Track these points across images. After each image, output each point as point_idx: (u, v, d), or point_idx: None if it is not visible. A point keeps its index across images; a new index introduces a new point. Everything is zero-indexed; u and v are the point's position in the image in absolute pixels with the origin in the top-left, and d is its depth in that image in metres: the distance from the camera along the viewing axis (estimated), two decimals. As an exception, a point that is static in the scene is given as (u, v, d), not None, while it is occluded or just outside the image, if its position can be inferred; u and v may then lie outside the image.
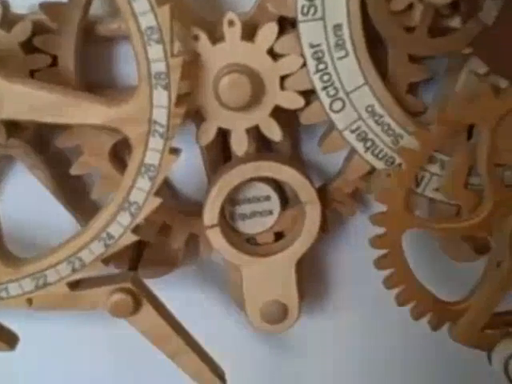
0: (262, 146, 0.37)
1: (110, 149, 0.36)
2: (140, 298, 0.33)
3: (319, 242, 0.39)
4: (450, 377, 0.44)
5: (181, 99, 0.31)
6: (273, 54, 0.32)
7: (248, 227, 0.38)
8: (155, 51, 0.29)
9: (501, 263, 0.34)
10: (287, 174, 0.35)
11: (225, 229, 0.37)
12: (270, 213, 0.38)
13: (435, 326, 0.35)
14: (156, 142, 0.31)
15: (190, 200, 0.41)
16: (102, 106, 0.31)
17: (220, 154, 0.38)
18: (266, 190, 0.37)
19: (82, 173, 0.37)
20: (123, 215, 0.32)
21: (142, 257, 0.39)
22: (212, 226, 0.36)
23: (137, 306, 0.33)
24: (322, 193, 0.38)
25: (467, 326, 0.34)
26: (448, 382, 0.44)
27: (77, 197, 0.39)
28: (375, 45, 0.35)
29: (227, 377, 0.37)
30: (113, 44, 0.37)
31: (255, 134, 0.36)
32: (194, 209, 0.38)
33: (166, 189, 0.40)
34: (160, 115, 0.30)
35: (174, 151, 0.32)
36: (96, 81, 0.37)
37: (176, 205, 0.40)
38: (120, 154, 0.37)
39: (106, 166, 0.36)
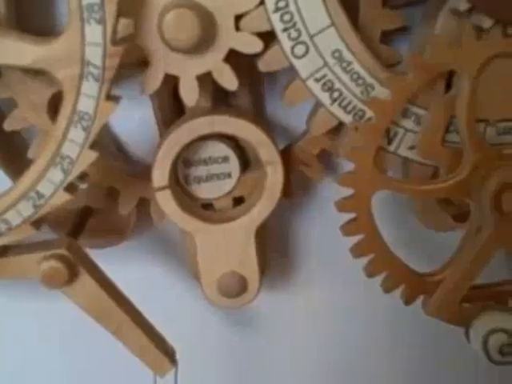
0: (220, 102, 0.34)
1: (48, 101, 0.32)
2: (76, 266, 0.30)
3: (283, 208, 0.36)
4: (425, 353, 0.42)
5: (124, 40, 0.27)
6: (226, -11, 0.29)
7: (204, 191, 0.35)
8: (85, -23, 0.25)
9: (480, 229, 0.30)
10: (245, 130, 0.32)
11: (176, 192, 0.33)
12: (229, 176, 0.34)
13: (408, 300, 0.32)
14: (90, 87, 0.27)
15: (141, 163, 0.37)
16: (29, 45, 0.27)
17: (174, 111, 0.35)
18: (223, 149, 0.34)
19: (17, 128, 0.34)
20: (54, 171, 0.28)
21: (85, 224, 0.35)
22: (161, 188, 0.32)
23: (72, 275, 0.30)
24: (286, 154, 0.35)
25: (443, 299, 0.31)
26: (424, 358, 0.42)
27: (15, 156, 0.35)
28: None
29: (183, 356, 0.34)
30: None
31: (210, 85, 0.32)
32: (146, 172, 0.34)
33: (115, 149, 0.37)
34: (94, 55, 0.27)
35: (112, 98, 0.28)
36: (35, 28, 0.33)
37: (125, 167, 0.36)
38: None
39: (45, 120, 0.33)
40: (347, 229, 0.31)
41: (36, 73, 0.31)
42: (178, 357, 0.34)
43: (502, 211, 0.29)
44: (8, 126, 0.33)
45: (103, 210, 0.36)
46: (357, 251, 0.31)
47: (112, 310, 0.31)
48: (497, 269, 0.32)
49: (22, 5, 0.33)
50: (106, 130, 0.37)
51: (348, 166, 0.31)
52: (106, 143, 0.37)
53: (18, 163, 0.35)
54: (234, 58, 0.30)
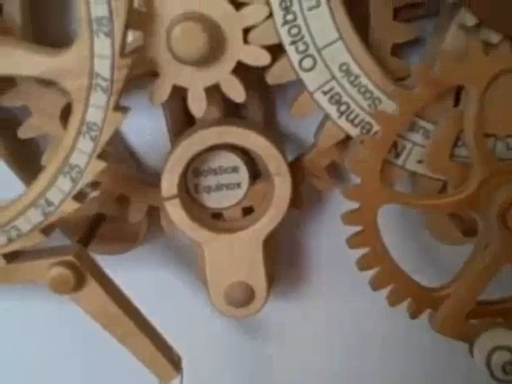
0: (231, 114, 0.34)
1: (61, 109, 0.33)
2: (83, 272, 0.30)
3: (293, 219, 0.36)
4: (430, 366, 0.41)
5: (132, 52, 0.28)
6: (235, 3, 0.29)
7: (213, 201, 0.35)
8: (95, -9, 0.26)
9: (488, 245, 0.30)
10: (254, 142, 0.32)
11: (186, 201, 0.34)
12: (238, 186, 0.35)
13: (414, 314, 0.32)
14: (98, 98, 0.27)
15: (153, 171, 0.38)
16: (39, 56, 0.28)
17: (185, 121, 0.35)
18: (233, 160, 0.34)
19: (31, 136, 0.34)
20: (63, 180, 0.29)
21: (97, 231, 0.36)
22: (171, 198, 0.33)
23: (80, 281, 0.30)
24: (296, 165, 0.35)
25: (448, 314, 0.31)
26: (428, 371, 0.41)
27: (30, 163, 0.36)
28: (356, 2, 0.31)
29: (191, 364, 0.34)
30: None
31: (220, 96, 0.32)
32: (157, 180, 0.35)
33: (129, 157, 0.37)
34: (102, 67, 0.27)
35: (120, 109, 0.28)
36: (51, 39, 0.34)
37: (136, 175, 0.36)
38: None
39: (58, 128, 0.33)
40: (353, 241, 0.31)
41: (50, 82, 0.31)
42: (184, 365, 0.34)
43: (509, 228, 0.29)
44: (22, 133, 0.34)
45: (115, 217, 0.37)
46: (362, 264, 0.31)
47: (119, 318, 0.31)
48: (504, 285, 0.32)
49: (38, 16, 0.33)
50: (119, 139, 0.37)
51: (358, 178, 0.31)
52: (120, 151, 0.37)
53: (33, 170, 0.35)
54: (242, 70, 0.30)
